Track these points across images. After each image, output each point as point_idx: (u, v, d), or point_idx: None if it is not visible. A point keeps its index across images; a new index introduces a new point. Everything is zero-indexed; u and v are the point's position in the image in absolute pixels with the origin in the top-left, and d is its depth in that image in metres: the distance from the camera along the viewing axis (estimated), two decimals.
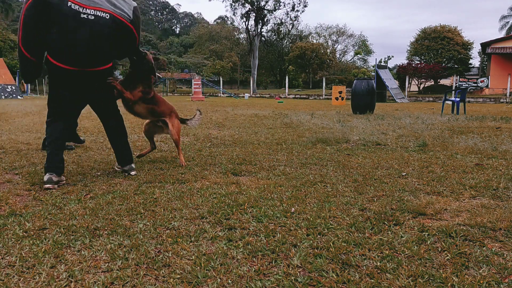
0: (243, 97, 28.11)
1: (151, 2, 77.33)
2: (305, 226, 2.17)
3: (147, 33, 60.90)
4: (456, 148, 4.78)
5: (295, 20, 41.98)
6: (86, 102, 3.52)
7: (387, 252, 1.84)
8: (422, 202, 2.59)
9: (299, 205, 2.53)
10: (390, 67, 36.91)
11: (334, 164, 3.84)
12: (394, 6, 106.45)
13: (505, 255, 1.81)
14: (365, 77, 33.01)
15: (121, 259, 1.77)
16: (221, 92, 33.65)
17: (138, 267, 1.70)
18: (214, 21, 63.28)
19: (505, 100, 21.99)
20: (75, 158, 4.15)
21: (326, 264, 1.73)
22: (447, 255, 1.81)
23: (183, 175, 3.38)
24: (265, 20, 39.96)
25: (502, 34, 43.10)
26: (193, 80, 25.93)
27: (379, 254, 1.82)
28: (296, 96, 31.00)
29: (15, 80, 25.33)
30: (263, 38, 43.44)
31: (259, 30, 39.94)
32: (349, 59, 55.90)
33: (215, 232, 2.08)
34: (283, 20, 43.14)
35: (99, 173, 3.48)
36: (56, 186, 2.97)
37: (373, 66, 40.31)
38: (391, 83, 24.46)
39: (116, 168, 3.57)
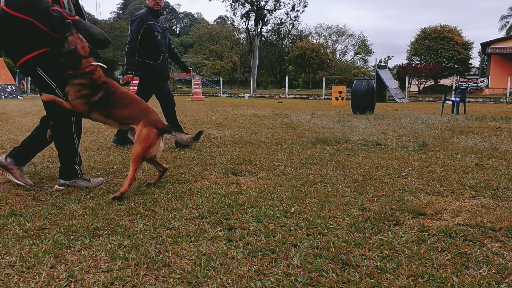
0: (243, 97, 28.10)
1: None
2: (305, 226, 2.17)
3: None
4: (456, 148, 4.78)
5: (295, 20, 41.95)
6: None
7: (387, 252, 1.84)
8: (422, 202, 2.59)
9: (299, 205, 2.53)
10: (390, 67, 36.97)
11: (334, 164, 3.84)
12: (394, 6, 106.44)
13: (505, 255, 1.81)
14: (365, 77, 33.04)
15: (121, 259, 1.77)
16: (221, 92, 33.64)
17: (138, 267, 1.70)
18: (214, 21, 63.22)
19: (505, 100, 21.99)
20: None
21: (326, 264, 1.73)
22: (447, 255, 1.81)
23: (183, 175, 3.38)
24: (265, 20, 39.93)
25: (502, 34, 43.18)
26: (193, 80, 25.91)
27: (379, 254, 1.82)
28: (296, 96, 30.98)
29: (15, 80, 25.32)
30: (263, 38, 43.41)
31: (259, 30, 39.94)
32: (349, 59, 55.91)
33: (215, 232, 2.08)
34: (283, 20, 43.12)
35: (99, 173, 3.48)
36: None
37: (373, 66, 40.36)
38: (391, 83, 24.45)
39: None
